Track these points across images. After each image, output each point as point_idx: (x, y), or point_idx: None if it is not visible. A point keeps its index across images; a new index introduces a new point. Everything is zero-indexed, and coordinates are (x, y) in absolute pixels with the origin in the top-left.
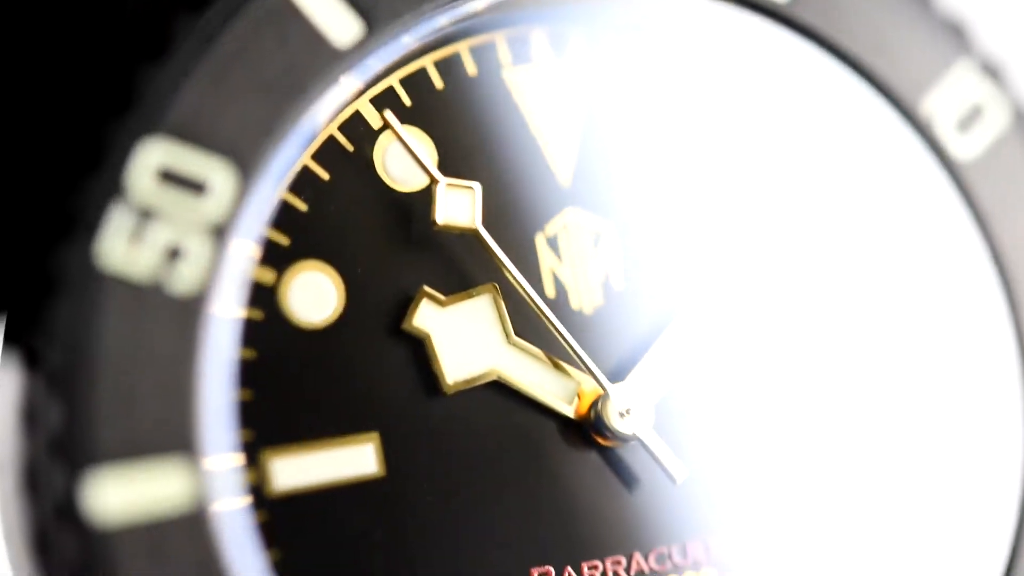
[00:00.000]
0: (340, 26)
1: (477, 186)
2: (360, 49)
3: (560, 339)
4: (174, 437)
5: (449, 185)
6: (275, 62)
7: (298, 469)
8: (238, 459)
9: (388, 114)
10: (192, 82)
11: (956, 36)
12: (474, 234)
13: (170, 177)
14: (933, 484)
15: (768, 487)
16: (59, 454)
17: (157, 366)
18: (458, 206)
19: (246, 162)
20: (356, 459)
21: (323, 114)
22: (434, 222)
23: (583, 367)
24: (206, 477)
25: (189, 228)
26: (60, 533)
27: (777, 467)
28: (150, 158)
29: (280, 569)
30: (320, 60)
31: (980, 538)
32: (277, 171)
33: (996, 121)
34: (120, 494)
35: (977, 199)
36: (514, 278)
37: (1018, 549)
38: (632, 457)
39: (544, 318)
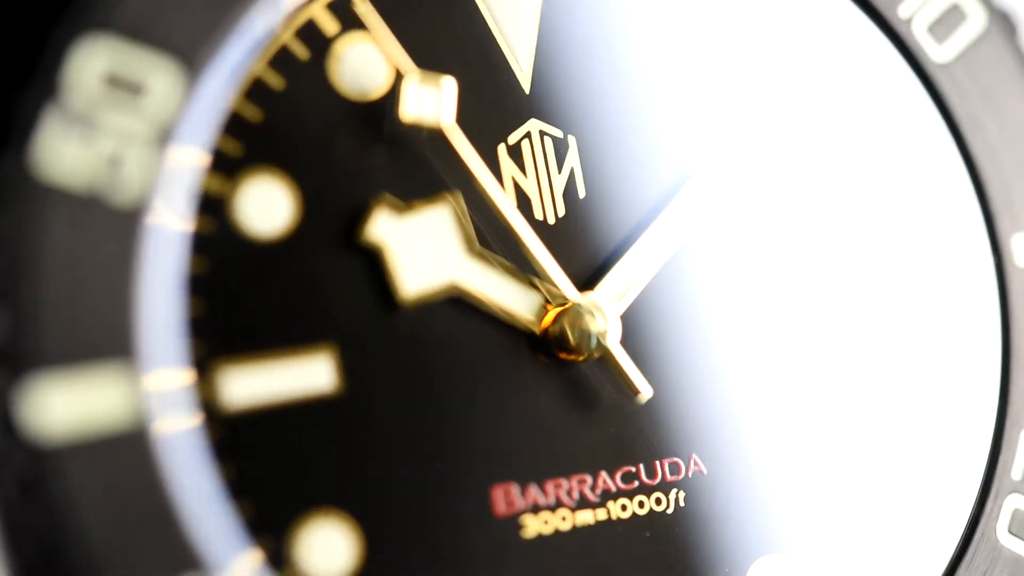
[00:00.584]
0: None
1: (449, 81)
2: None
3: (524, 249)
4: (116, 345)
5: (419, 79)
6: None
7: (252, 383)
8: (188, 374)
9: (362, 6)
10: None
11: None
12: (440, 133)
13: (112, 80)
14: (907, 403)
15: (738, 409)
16: (2, 362)
17: (99, 276)
18: (427, 102)
19: (192, 64)
20: (311, 373)
21: (275, 20)
22: (400, 118)
23: (548, 278)
24: (149, 388)
25: (131, 134)
26: (5, 447)
27: (747, 389)
28: (90, 59)
29: (234, 488)
30: None
31: (954, 468)
32: (227, 77)
33: (973, 25)
34: (63, 404)
35: (952, 105)
36: (479, 183)
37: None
38: (599, 374)
39: (508, 226)
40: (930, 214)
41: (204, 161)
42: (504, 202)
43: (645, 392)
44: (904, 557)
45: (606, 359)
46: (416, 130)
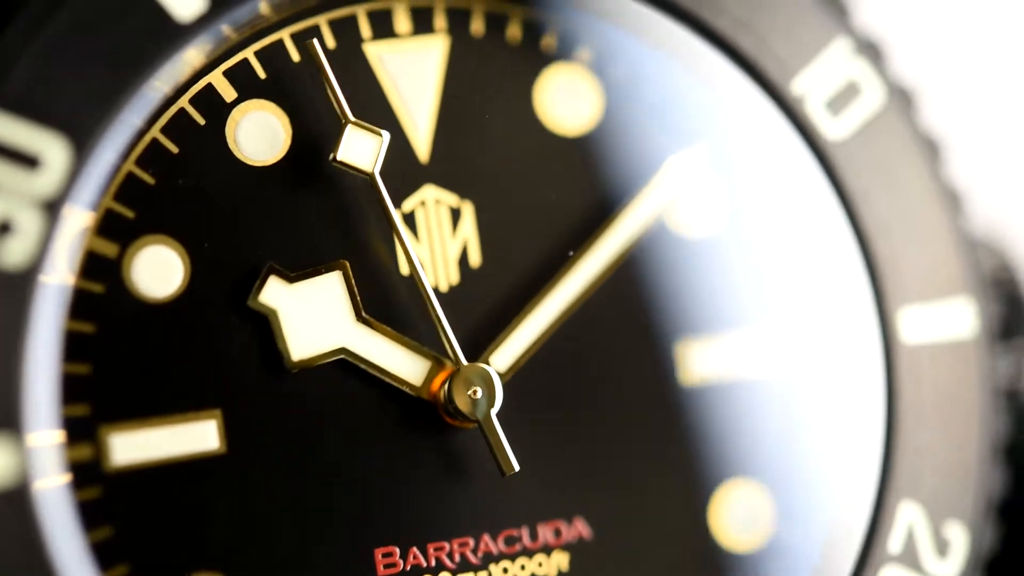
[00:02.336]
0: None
1: (386, 135)
2: (203, 23)
3: (418, 314)
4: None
5: (357, 126)
6: (113, 36)
7: (137, 445)
8: (70, 434)
9: (315, 44)
10: (25, 56)
11: (835, 13)
12: (369, 178)
13: (0, 151)
14: (790, 474)
15: (623, 475)
16: None
17: None
18: (361, 149)
19: (81, 136)
20: (197, 436)
21: (170, 87)
22: (333, 158)
23: (438, 344)
24: (29, 453)
25: (20, 202)
26: None
27: (633, 455)
28: None
29: (110, 549)
30: (160, 34)
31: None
32: (120, 144)
33: (871, 101)
34: None
35: (845, 180)
36: (397, 234)
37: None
38: (481, 439)
39: (405, 291)
40: (817, 288)
41: (95, 224)
42: (412, 253)
43: (509, 467)
44: None
45: (484, 429)
46: (346, 170)
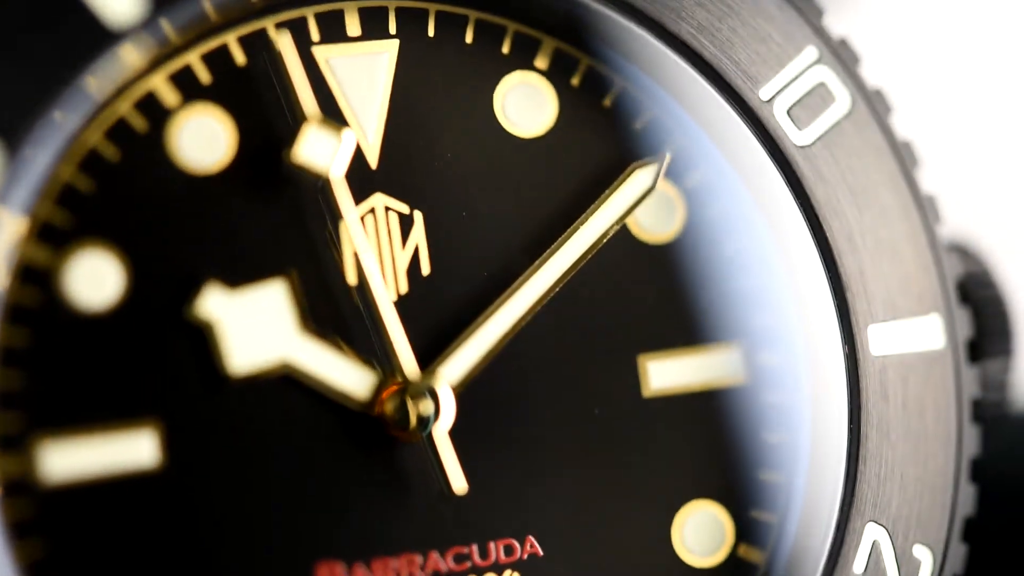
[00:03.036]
0: (116, 4)
1: (350, 134)
2: (140, 25)
3: (368, 324)
4: None
5: (319, 125)
6: (46, 42)
7: (70, 459)
8: (1, 446)
9: (285, 42)
10: None
11: (803, 19)
12: (324, 181)
13: None
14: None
15: (576, 492)
16: None
17: None
18: (320, 150)
19: (11, 137)
20: (135, 450)
21: (110, 91)
22: (291, 159)
23: (385, 356)
24: None
25: None
26: None
27: (587, 473)
28: None
29: (40, 569)
30: (93, 39)
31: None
32: (56, 148)
33: (839, 107)
34: None
35: (811, 187)
36: (350, 240)
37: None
38: (428, 454)
39: (354, 301)
40: (782, 298)
41: (30, 231)
42: (370, 267)
43: (456, 486)
44: None
45: (431, 445)
46: (303, 172)
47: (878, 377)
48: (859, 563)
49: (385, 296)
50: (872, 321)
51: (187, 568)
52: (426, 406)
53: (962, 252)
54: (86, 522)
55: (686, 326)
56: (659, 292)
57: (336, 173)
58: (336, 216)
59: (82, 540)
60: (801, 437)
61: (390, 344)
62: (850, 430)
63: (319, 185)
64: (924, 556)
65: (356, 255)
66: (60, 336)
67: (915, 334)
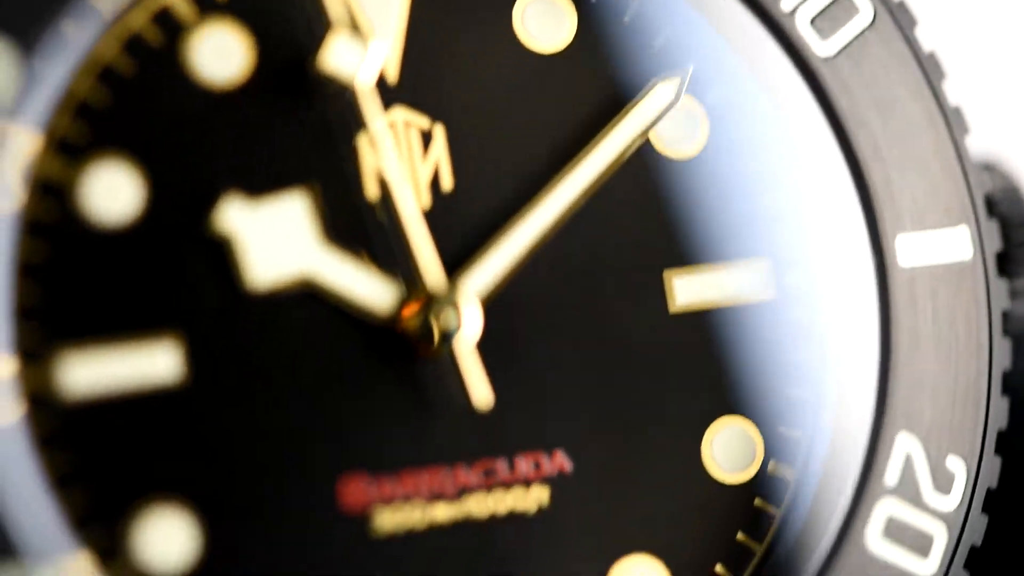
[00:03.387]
0: None
1: (378, 42)
2: None
3: (383, 241)
4: None
5: (347, 31)
6: None
7: (91, 373)
8: (21, 363)
9: None
10: None
11: None
12: (351, 90)
13: None
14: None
15: (606, 408)
16: None
17: None
18: (348, 57)
19: (24, 42)
20: (155, 363)
21: (124, 5)
22: (318, 66)
23: (408, 270)
24: None
25: None
26: None
27: (617, 388)
28: None
29: (67, 479)
30: None
31: None
32: (71, 63)
33: (863, 17)
34: None
35: (836, 99)
36: (376, 149)
37: None
38: (453, 368)
39: (377, 214)
40: (809, 211)
41: (45, 144)
42: (395, 177)
43: (484, 400)
44: (772, 563)
45: (457, 360)
46: (329, 80)
47: (907, 288)
48: (892, 475)
49: (412, 206)
50: (900, 232)
51: (213, 481)
52: (449, 320)
53: (990, 169)
54: (110, 436)
55: (712, 242)
56: (685, 208)
57: (363, 81)
58: (361, 126)
59: (107, 454)
60: (830, 352)
61: (415, 256)
62: (880, 341)
63: (344, 95)
64: (958, 468)
65: (378, 167)
66: (78, 250)
67: (943, 245)
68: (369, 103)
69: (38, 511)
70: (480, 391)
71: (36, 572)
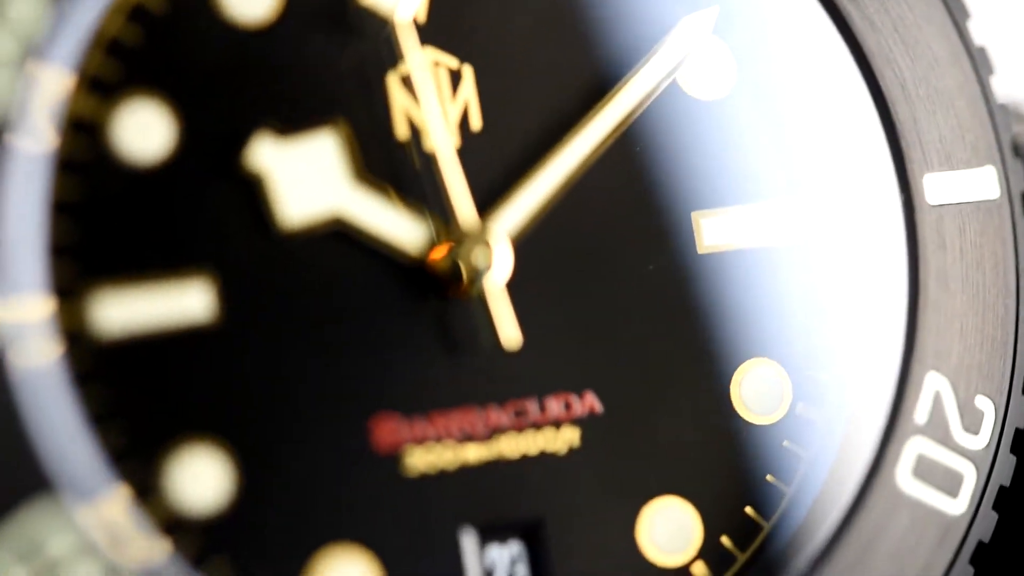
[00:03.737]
0: None
1: None
2: None
3: (414, 180)
4: None
5: None
6: None
7: (123, 311)
8: (58, 300)
9: None
10: None
11: None
12: (389, 25)
13: None
14: (811, 343)
15: (638, 350)
16: None
17: None
18: None
19: None
20: (187, 301)
21: None
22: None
23: (439, 210)
24: (10, 315)
25: None
26: None
27: (648, 329)
28: None
29: (101, 417)
30: None
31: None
32: (102, 1)
33: None
34: None
35: (862, 38)
36: (411, 87)
37: None
38: (482, 308)
39: (408, 153)
40: (837, 151)
41: (77, 84)
42: (431, 114)
43: (513, 340)
44: (802, 504)
45: (486, 299)
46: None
47: (935, 226)
48: (921, 413)
49: (446, 143)
50: (928, 170)
51: (247, 420)
52: (479, 259)
53: (1016, 114)
54: (145, 374)
55: (740, 183)
56: (713, 149)
57: (402, 16)
58: (398, 62)
59: (143, 392)
60: (858, 293)
61: (446, 195)
62: (909, 281)
63: (382, 31)
64: (986, 407)
65: (411, 106)
66: (111, 188)
67: (971, 184)
68: (407, 39)
69: (76, 449)
70: (509, 331)
71: (74, 509)
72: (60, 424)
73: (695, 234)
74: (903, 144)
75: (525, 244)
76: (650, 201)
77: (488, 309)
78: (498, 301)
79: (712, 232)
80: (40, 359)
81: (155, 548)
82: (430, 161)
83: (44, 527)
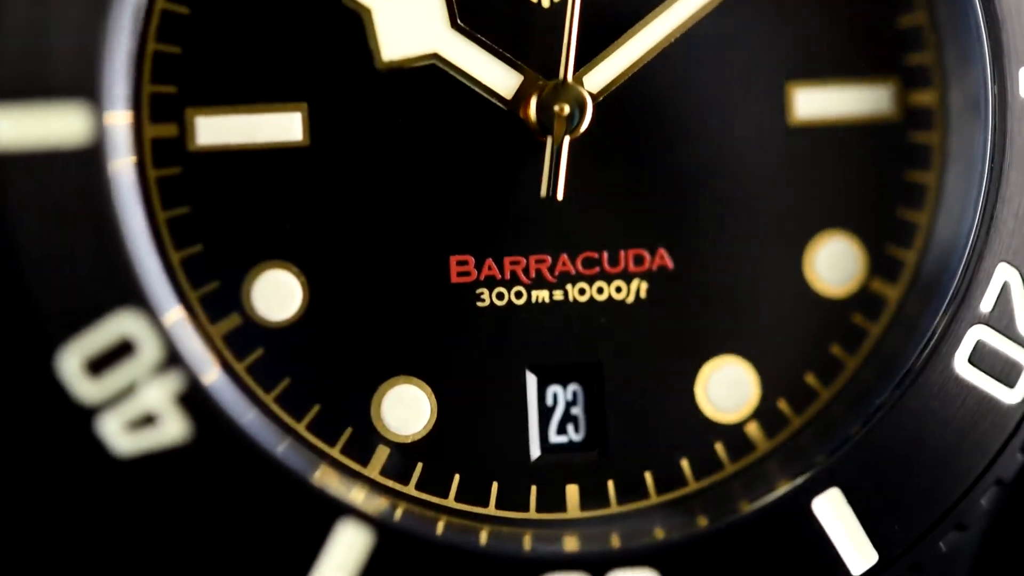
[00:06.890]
0: None
1: None
2: None
3: (510, 29)
4: (79, 80)
5: None
6: None
7: (221, 128)
8: (155, 111)
9: None
10: None
11: None
12: None
13: None
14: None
15: (712, 210)
16: None
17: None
18: None
19: None
20: (282, 126)
21: None
22: None
23: (531, 60)
24: (108, 122)
25: None
26: None
27: (723, 191)
28: None
29: (185, 228)
30: None
31: None
32: None
33: None
34: (15, 124)
35: None
36: None
37: None
38: (561, 159)
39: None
40: (938, 37)
41: None
42: None
43: (552, 192)
44: (862, 377)
45: (551, 146)
46: None
47: (1022, 119)
48: (987, 302)
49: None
50: (1023, 65)
51: (321, 246)
52: (569, 110)
53: None
54: (229, 188)
55: (838, 56)
56: (813, 19)
57: None
58: None
59: (223, 205)
60: (944, 177)
61: (542, 46)
62: (991, 170)
63: None
64: None
65: None
66: (217, 10)
67: None
68: None
69: (162, 259)
70: (589, 184)
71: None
72: (148, 230)
73: (786, 104)
74: (1004, 36)
75: (616, 101)
76: (744, 66)
77: (570, 161)
78: (558, 151)
79: (805, 104)
80: (130, 164)
81: (224, 363)
82: (530, 10)
83: (121, 335)
